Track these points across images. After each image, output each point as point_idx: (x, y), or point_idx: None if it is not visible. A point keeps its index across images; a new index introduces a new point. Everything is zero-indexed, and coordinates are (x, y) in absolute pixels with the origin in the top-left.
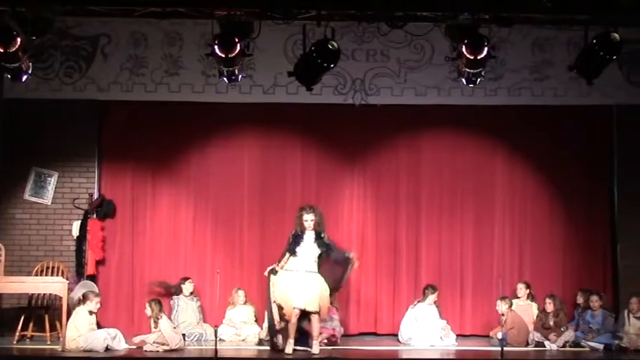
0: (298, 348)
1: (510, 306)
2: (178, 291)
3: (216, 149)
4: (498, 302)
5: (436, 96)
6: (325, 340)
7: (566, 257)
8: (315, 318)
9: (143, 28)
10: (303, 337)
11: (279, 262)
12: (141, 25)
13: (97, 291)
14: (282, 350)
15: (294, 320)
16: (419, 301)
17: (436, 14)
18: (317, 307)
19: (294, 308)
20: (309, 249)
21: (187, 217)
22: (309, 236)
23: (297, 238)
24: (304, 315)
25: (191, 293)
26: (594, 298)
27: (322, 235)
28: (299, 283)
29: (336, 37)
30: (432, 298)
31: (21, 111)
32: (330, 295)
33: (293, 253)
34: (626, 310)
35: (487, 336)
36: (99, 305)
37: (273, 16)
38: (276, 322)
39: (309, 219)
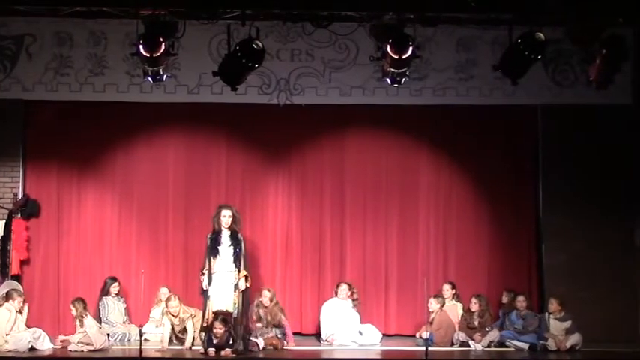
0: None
1: (442, 305)
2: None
3: (141, 149)
4: (431, 300)
5: (361, 95)
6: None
7: (492, 257)
8: (235, 317)
9: (68, 28)
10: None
11: (204, 268)
12: (66, 25)
13: (21, 290)
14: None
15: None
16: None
17: (361, 14)
18: (234, 305)
19: (212, 313)
20: (228, 248)
21: (112, 217)
22: (226, 235)
23: (215, 237)
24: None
25: (117, 294)
26: (520, 298)
27: (239, 236)
28: (219, 285)
29: (261, 36)
30: (338, 291)
31: None
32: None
33: (214, 253)
34: (546, 313)
35: (413, 335)
36: (22, 305)
37: (198, 15)
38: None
39: (227, 215)
